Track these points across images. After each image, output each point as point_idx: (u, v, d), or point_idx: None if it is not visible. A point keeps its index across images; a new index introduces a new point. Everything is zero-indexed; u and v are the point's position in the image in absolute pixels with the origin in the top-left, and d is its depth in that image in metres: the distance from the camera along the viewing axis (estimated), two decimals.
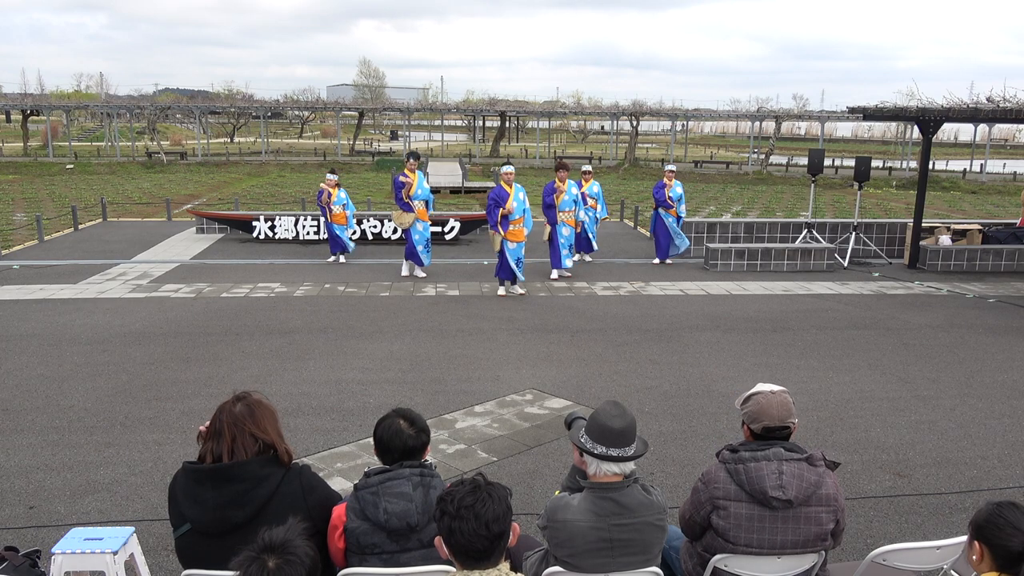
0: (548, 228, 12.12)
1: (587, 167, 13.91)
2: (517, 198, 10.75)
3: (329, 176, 13.42)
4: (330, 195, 13.13)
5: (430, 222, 12.34)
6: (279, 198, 24.26)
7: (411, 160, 11.91)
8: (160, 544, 4.47)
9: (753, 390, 3.29)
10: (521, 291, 11.05)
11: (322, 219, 13.85)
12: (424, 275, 12.09)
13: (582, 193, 12.97)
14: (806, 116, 47.07)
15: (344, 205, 13.22)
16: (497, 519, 2.38)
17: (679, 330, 9.32)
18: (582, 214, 12.79)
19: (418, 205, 11.84)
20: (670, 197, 13.22)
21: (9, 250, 14.20)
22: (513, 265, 10.81)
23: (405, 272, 12.22)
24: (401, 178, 11.89)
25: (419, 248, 11.91)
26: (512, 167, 11.07)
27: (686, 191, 14.35)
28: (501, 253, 10.83)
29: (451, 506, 2.39)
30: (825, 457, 3.21)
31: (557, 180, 12.11)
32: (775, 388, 3.26)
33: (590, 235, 13.42)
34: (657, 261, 13.54)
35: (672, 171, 13.54)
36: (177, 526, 2.94)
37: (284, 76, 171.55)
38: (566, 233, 12.12)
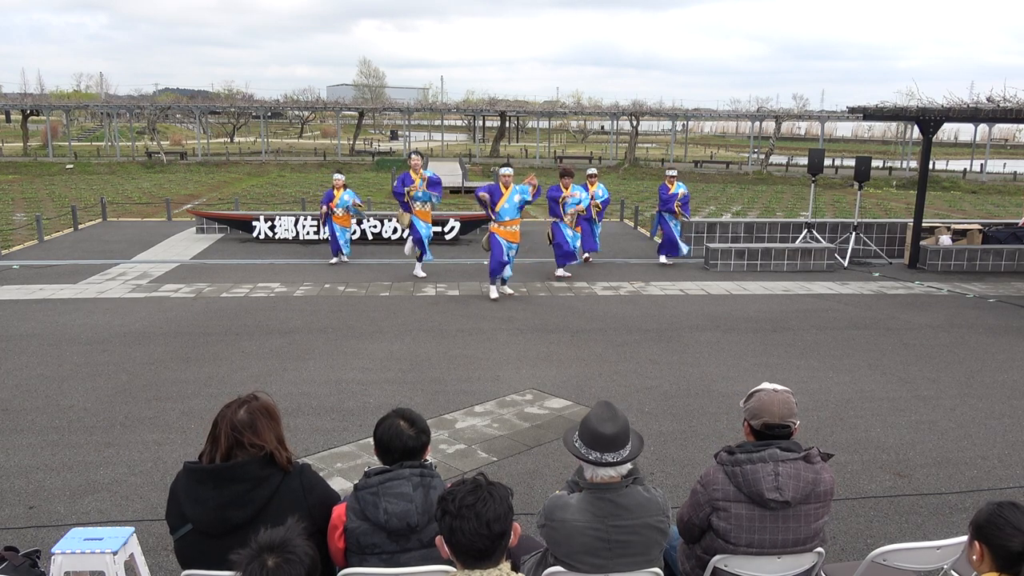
0: (549, 228, 12.09)
1: (592, 170, 13.65)
2: (511, 199, 10.65)
3: (336, 176, 13.32)
4: (332, 196, 13.07)
5: (431, 222, 12.29)
6: (279, 198, 24.26)
7: (414, 157, 11.86)
8: (160, 544, 4.47)
9: (756, 388, 3.30)
10: (502, 292, 10.93)
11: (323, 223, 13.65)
12: (424, 275, 12.07)
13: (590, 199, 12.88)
14: (806, 116, 47.07)
15: (347, 208, 13.08)
16: (498, 518, 2.38)
17: (679, 330, 9.31)
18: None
19: (417, 206, 11.75)
20: (677, 197, 13.16)
21: (9, 250, 14.19)
22: (504, 258, 10.64)
23: (408, 251, 12.09)
24: (411, 173, 11.79)
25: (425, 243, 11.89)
26: (511, 169, 11.02)
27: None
28: (493, 246, 10.60)
29: (452, 505, 2.39)
30: (820, 451, 3.21)
31: (562, 186, 12.07)
32: (778, 387, 3.27)
33: (595, 236, 13.35)
34: (664, 259, 13.38)
35: (673, 175, 13.48)
36: (177, 527, 2.93)
37: (284, 76, 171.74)
38: (570, 235, 12.08)
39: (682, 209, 13.22)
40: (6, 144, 44.23)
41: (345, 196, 13.09)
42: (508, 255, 10.75)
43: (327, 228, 13.32)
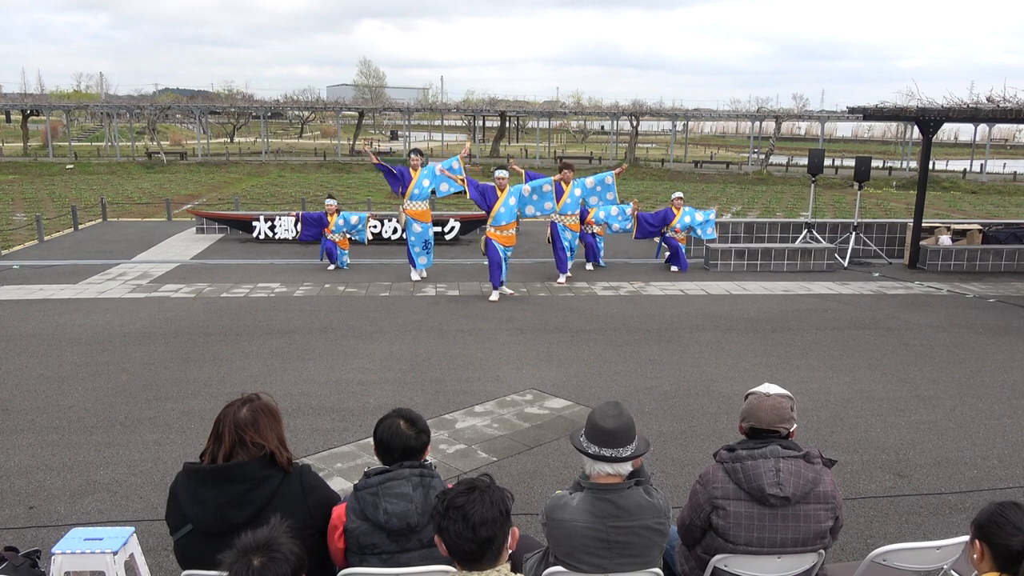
0: (549, 229, 12.06)
1: (678, 193, 13.62)
2: (507, 203, 10.60)
3: (328, 201, 12.78)
4: (326, 222, 12.65)
5: (431, 223, 12.21)
6: (279, 198, 24.27)
7: (414, 156, 11.82)
8: (160, 544, 4.47)
9: (756, 388, 3.30)
10: (497, 297, 10.84)
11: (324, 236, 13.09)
12: (418, 278, 12.00)
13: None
14: (806, 116, 47.03)
15: (344, 233, 12.67)
16: (485, 523, 2.35)
17: (679, 330, 9.31)
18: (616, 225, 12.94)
19: (414, 206, 11.67)
20: (677, 228, 12.99)
21: (9, 250, 14.19)
22: (500, 259, 10.62)
23: (415, 277, 11.97)
24: (411, 170, 11.66)
25: (414, 250, 11.79)
26: (506, 172, 10.96)
27: (686, 192, 14.17)
28: (490, 251, 10.55)
29: (442, 505, 2.39)
30: (821, 454, 3.22)
31: (562, 182, 12.01)
32: (773, 391, 3.24)
33: (598, 250, 13.14)
34: (673, 268, 13.16)
35: (680, 198, 13.33)
36: (177, 527, 2.94)
37: (285, 76, 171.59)
38: (569, 236, 12.03)
39: (691, 234, 13.20)
40: (6, 144, 44.22)
41: (339, 221, 12.57)
42: (504, 257, 10.76)
43: (322, 243, 12.83)
